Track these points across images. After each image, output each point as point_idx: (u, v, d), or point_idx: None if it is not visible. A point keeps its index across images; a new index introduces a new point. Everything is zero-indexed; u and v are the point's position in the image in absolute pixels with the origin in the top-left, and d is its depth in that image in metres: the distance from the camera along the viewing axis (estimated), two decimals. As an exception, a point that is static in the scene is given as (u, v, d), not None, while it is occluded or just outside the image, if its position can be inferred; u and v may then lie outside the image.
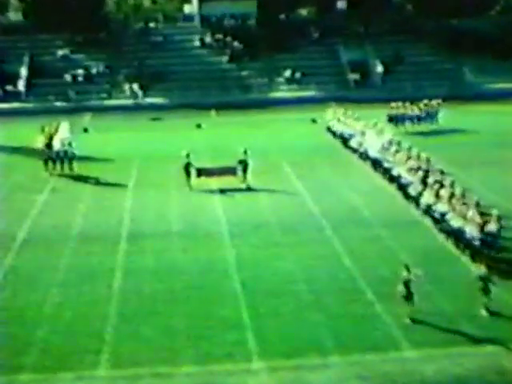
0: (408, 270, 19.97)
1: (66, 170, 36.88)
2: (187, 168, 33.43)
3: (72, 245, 26.80)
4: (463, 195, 26.15)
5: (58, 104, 59.94)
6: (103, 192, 34.01)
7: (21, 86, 61.61)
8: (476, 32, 64.50)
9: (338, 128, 43.68)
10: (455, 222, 24.94)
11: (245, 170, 33.54)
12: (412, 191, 29.58)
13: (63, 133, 38.80)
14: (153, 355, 18.55)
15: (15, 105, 59.35)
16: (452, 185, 27.53)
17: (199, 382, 17.46)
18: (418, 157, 31.99)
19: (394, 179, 32.42)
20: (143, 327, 20.04)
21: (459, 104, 53.14)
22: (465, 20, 66.48)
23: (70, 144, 37.21)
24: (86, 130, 49.99)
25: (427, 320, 19.90)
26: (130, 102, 60.32)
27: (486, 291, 20.14)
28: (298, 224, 28.38)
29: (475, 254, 23.51)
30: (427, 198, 27.64)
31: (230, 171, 33.65)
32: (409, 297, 19.86)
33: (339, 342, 18.96)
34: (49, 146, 37.09)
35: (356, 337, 19.20)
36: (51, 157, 36.98)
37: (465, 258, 24.01)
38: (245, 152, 33.76)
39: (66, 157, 36.90)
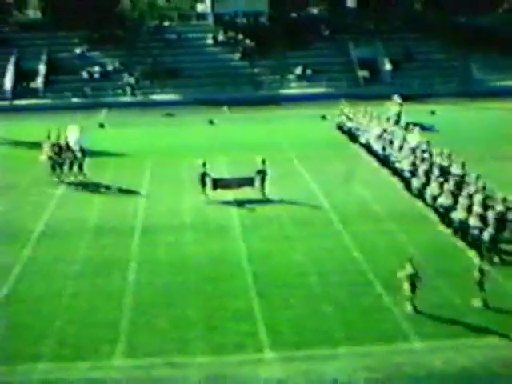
0: (412, 264, 19.95)
1: (76, 176, 34.87)
2: (203, 178, 30.79)
3: (88, 237, 26.86)
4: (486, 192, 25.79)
5: (75, 100, 60.06)
6: (118, 186, 33.97)
7: (39, 82, 61.76)
8: (484, 29, 64.12)
9: (348, 124, 43.60)
10: (459, 215, 24.84)
11: (263, 181, 31.00)
12: (415, 184, 29.53)
13: (72, 137, 36.07)
14: (166, 345, 18.56)
15: (33, 101, 59.43)
16: (476, 181, 27.03)
17: (212, 372, 17.45)
18: (441, 153, 31.62)
19: (397, 173, 32.42)
20: (157, 318, 20.04)
21: (467, 101, 52.81)
22: (473, 17, 66.11)
23: (81, 149, 35.13)
24: (101, 126, 50.24)
25: (435, 312, 19.83)
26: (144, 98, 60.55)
27: (481, 284, 20.04)
28: (309, 218, 28.34)
29: (476, 246, 23.48)
30: (432, 191, 27.55)
31: (248, 182, 31.26)
32: (413, 290, 19.88)
33: (349, 333, 18.92)
34: (57, 152, 34.63)
35: (365, 328, 19.15)
36: (59, 162, 34.71)
37: (470, 251, 23.87)
38: (263, 161, 31.12)
39: (75, 160, 34.85)
